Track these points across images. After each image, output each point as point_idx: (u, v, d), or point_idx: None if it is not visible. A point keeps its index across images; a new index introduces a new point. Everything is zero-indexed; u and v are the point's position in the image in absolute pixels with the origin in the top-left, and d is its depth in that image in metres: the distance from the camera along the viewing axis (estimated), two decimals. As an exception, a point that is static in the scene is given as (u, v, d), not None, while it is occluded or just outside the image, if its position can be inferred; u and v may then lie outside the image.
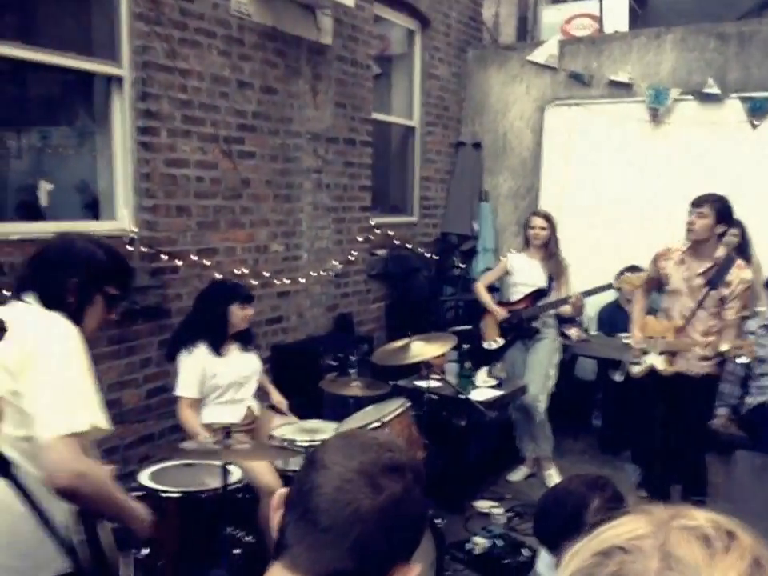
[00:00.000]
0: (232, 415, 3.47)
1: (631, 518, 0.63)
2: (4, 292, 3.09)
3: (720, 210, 3.67)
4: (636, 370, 3.99)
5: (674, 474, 4.17)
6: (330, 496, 1.00)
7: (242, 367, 3.56)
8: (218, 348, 3.47)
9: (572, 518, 1.87)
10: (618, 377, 4.07)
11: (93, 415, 1.80)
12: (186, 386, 3.39)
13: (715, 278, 3.67)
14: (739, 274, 3.67)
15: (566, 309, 4.63)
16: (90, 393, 1.83)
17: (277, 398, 3.85)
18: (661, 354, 3.83)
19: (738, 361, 3.45)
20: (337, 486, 1.00)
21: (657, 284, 4.02)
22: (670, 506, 0.65)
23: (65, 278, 1.98)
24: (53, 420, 1.73)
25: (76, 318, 2.00)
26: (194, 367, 3.39)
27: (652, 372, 3.88)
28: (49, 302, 1.95)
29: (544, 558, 2.18)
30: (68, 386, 1.78)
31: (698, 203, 3.69)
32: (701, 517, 0.61)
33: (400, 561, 1.03)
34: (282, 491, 1.09)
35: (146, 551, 2.83)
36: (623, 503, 1.96)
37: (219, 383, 3.46)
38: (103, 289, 2.06)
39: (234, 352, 3.55)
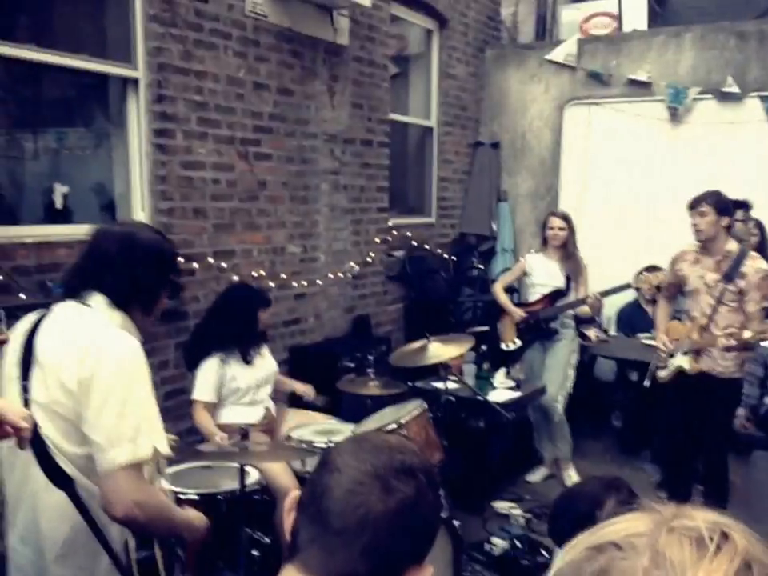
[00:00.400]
0: (250, 416, 3.46)
1: (635, 516, 0.64)
2: (21, 296, 3.13)
3: (717, 203, 3.68)
4: (663, 374, 3.96)
5: (696, 475, 4.13)
6: (341, 499, 1.00)
7: (260, 369, 3.56)
8: (247, 355, 3.47)
9: (585, 518, 1.84)
10: (646, 382, 4.03)
11: (155, 441, 1.73)
12: (203, 390, 3.39)
13: (730, 271, 3.66)
14: (753, 264, 3.65)
15: (584, 309, 4.59)
16: (151, 417, 1.76)
17: (300, 388, 3.85)
18: (686, 354, 3.80)
19: (764, 344, 3.43)
20: (349, 488, 1.00)
21: (677, 288, 3.99)
22: (677, 506, 0.64)
23: (137, 273, 1.90)
24: (113, 449, 1.69)
25: (148, 312, 1.96)
26: (214, 371, 3.38)
27: (678, 374, 3.85)
28: (121, 301, 1.87)
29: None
30: (129, 413, 1.71)
31: (694, 205, 3.73)
32: (701, 517, 0.61)
33: (412, 563, 1.03)
34: (295, 494, 1.09)
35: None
36: (640, 506, 1.93)
37: (239, 386, 3.46)
38: (169, 278, 2.02)
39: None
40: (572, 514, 1.90)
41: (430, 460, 3.23)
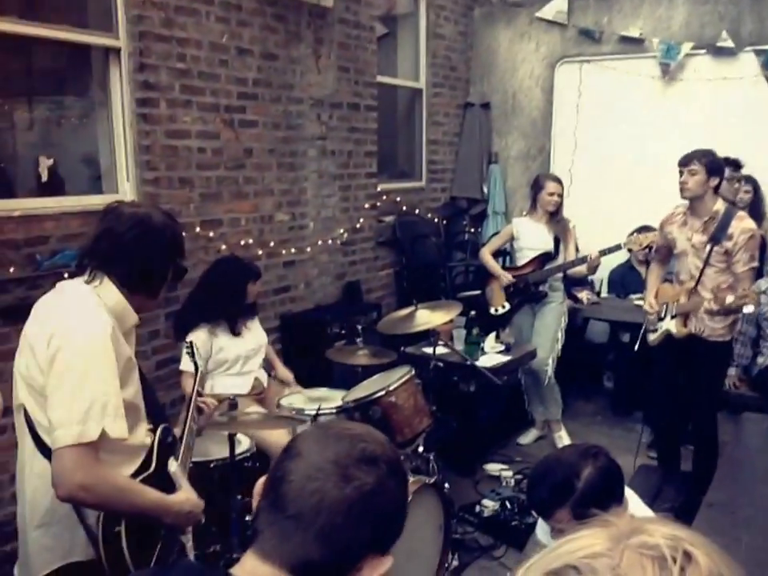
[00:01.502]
0: (239, 387, 3.49)
1: (590, 532, 0.61)
2: (11, 270, 3.13)
3: (709, 163, 3.63)
4: (653, 337, 3.97)
5: (685, 436, 4.18)
6: (298, 484, 1.00)
7: (248, 341, 3.57)
8: (235, 327, 3.49)
9: (562, 487, 1.88)
10: (637, 345, 4.05)
11: (105, 424, 1.74)
12: (190, 361, 3.41)
13: (717, 232, 3.63)
14: (740, 225, 3.60)
15: (581, 269, 4.59)
16: (106, 401, 1.76)
17: (282, 373, 3.87)
18: (673, 317, 3.81)
19: (745, 310, 3.41)
20: (307, 474, 1.01)
21: (669, 251, 3.97)
22: (632, 519, 0.62)
23: (153, 260, 1.94)
24: (61, 428, 1.71)
25: (154, 295, 2.00)
26: (201, 343, 3.39)
27: (667, 337, 3.86)
28: (129, 284, 1.91)
29: (542, 525, 2.20)
30: (81, 394, 1.73)
31: (685, 162, 3.66)
32: (660, 533, 0.59)
33: (371, 552, 1.03)
34: (264, 478, 1.09)
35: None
36: (619, 472, 1.96)
37: (227, 357, 3.49)
38: (176, 261, 2.03)
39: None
40: (550, 483, 1.92)
41: (418, 427, 3.27)
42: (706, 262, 3.67)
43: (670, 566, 0.55)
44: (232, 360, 3.49)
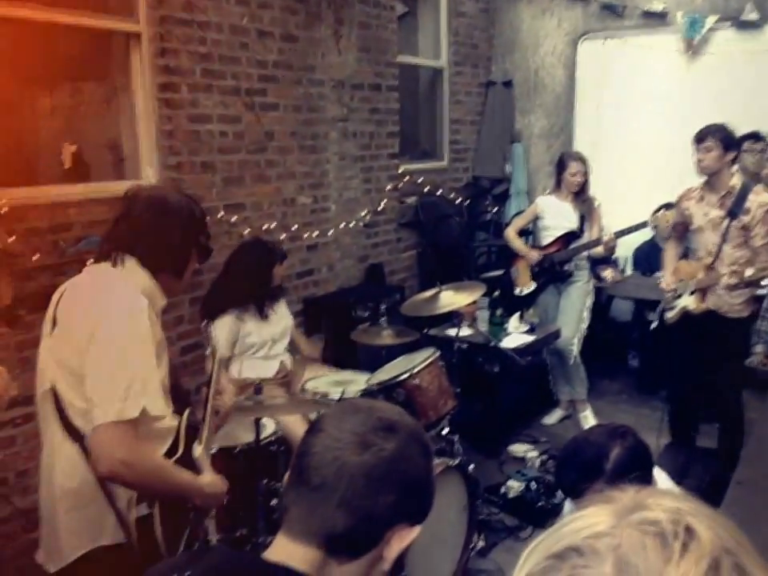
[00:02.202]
0: (266, 371, 3.52)
1: (593, 510, 0.60)
2: (35, 257, 3.16)
3: (724, 138, 3.62)
4: (670, 315, 3.95)
5: (709, 412, 4.16)
6: (318, 456, 1.03)
7: (275, 324, 3.59)
8: (262, 310, 3.52)
9: (591, 467, 1.88)
10: (654, 324, 4.02)
11: (146, 402, 1.76)
12: (217, 345, 3.44)
13: (734, 207, 3.61)
14: (757, 199, 3.59)
15: (598, 250, 4.56)
16: (146, 378, 1.78)
17: (308, 349, 3.89)
18: (692, 293, 3.78)
19: (764, 282, 3.39)
20: (326, 444, 1.03)
21: (686, 227, 3.94)
22: (636, 492, 0.61)
23: (168, 237, 1.95)
24: (103, 405, 1.73)
25: (179, 275, 2.01)
26: (227, 329, 3.43)
27: (685, 314, 3.83)
28: (152, 264, 1.93)
29: (570, 507, 2.20)
30: (122, 370, 1.75)
31: (700, 138, 3.65)
32: (661, 507, 0.58)
33: (398, 522, 1.04)
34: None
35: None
36: (647, 451, 1.96)
37: (254, 341, 3.51)
38: (199, 240, 2.05)
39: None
40: (578, 463, 1.92)
41: (442, 409, 3.27)
42: (724, 238, 3.64)
43: (671, 544, 0.54)
44: (259, 344, 3.52)
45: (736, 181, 3.65)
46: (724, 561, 0.54)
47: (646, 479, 1.94)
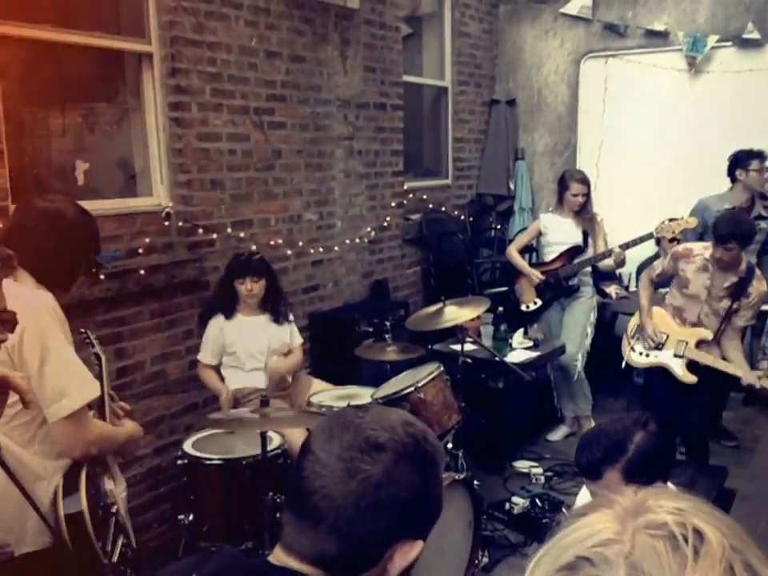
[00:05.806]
0: (254, 382, 3.60)
1: (595, 517, 0.59)
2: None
3: (743, 236, 3.55)
4: (642, 361, 3.97)
5: (718, 431, 4.20)
6: (308, 481, 1.02)
7: (264, 338, 3.64)
8: (228, 318, 3.65)
9: (615, 447, 1.94)
10: (623, 364, 4.07)
11: (84, 389, 1.91)
12: (203, 350, 3.65)
13: (737, 290, 3.67)
14: (758, 287, 3.67)
15: (608, 263, 4.60)
16: (78, 366, 1.92)
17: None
18: (677, 356, 3.82)
19: None
20: (315, 471, 1.02)
21: (671, 278, 3.96)
22: (635, 492, 0.61)
23: (63, 251, 1.98)
24: (53, 405, 1.85)
25: (66, 288, 2.06)
26: (214, 335, 3.61)
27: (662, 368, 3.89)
28: (46, 279, 1.96)
29: (583, 497, 2.24)
30: (62, 366, 1.87)
31: (724, 240, 3.52)
32: (665, 508, 0.58)
33: (396, 540, 1.03)
34: None
35: (191, 517, 2.98)
36: (668, 442, 2.04)
37: (235, 351, 3.61)
38: (89, 256, 2.09)
39: (257, 323, 3.65)
40: (603, 443, 1.98)
41: (447, 424, 3.29)
42: (717, 313, 3.73)
43: (683, 548, 0.54)
44: (243, 356, 3.63)
45: (743, 264, 3.65)
46: (737, 562, 0.54)
47: (664, 474, 2.02)
